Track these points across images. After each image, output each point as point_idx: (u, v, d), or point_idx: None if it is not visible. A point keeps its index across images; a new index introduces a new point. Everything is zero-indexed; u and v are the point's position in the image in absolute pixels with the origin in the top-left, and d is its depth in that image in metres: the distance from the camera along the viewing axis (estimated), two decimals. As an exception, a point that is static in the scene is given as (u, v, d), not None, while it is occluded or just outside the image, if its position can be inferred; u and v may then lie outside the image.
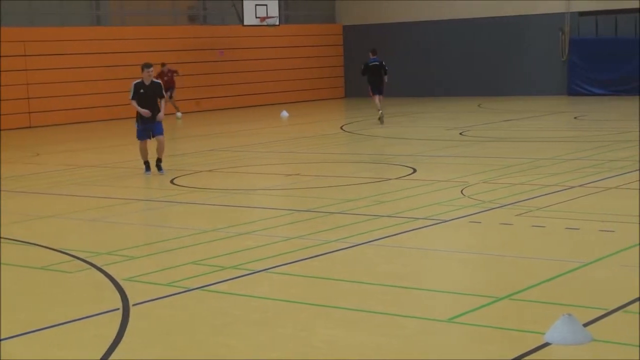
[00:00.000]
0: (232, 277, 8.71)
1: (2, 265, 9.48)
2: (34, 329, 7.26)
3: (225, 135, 24.10)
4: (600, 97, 31.70)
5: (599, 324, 6.85)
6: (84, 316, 7.53)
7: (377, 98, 25.01)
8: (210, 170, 16.76)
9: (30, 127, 28.28)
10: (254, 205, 13.44)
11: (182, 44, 32.36)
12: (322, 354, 6.51)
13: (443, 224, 10.95)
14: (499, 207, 11.81)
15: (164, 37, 31.79)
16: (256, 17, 32.24)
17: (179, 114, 29.86)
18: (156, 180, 15.75)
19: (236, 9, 32.19)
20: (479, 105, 30.92)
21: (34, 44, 28.38)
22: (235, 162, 18.05)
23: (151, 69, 16.20)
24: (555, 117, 26.00)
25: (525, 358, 6.20)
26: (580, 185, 13.29)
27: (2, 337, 7.04)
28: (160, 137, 16.19)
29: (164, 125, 16.53)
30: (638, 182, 13.29)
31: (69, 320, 7.46)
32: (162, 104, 16.23)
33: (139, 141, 16.35)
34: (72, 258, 9.78)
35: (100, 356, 6.51)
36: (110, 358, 6.50)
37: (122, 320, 7.35)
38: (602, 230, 10.20)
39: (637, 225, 10.27)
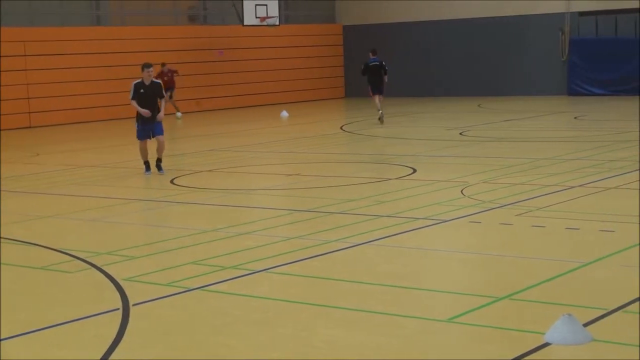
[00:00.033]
0: (232, 277, 8.71)
1: (2, 265, 9.48)
2: (33, 329, 7.26)
3: (225, 135, 24.10)
4: (600, 97, 31.69)
5: (599, 324, 6.85)
6: (83, 316, 7.53)
7: (377, 98, 25.00)
8: (210, 170, 16.76)
9: (30, 127, 28.27)
10: (254, 205, 13.44)
11: (182, 44, 32.36)
12: (322, 354, 6.51)
13: (443, 224, 10.95)
14: (499, 207, 11.81)
15: (164, 37, 31.77)
16: (256, 17, 32.24)
17: (179, 114, 29.85)
18: (156, 180, 15.75)
19: (236, 9, 32.18)
20: (479, 105, 30.92)
21: (34, 44, 28.37)
22: (235, 162, 18.04)
23: (151, 69, 16.21)
24: (555, 117, 26.00)
25: (525, 358, 6.20)
26: (580, 185, 13.29)
27: (2, 337, 7.04)
28: (160, 137, 16.19)
29: (164, 125, 16.54)
30: (638, 182, 13.29)
31: (68, 320, 7.45)
32: (162, 104, 16.25)
33: (139, 141, 16.35)
34: (72, 258, 9.78)
35: (100, 356, 6.51)
36: (110, 358, 6.50)
37: (122, 320, 7.35)
38: (602, 230, 10.20)
39: (637, 225, 10.27)
